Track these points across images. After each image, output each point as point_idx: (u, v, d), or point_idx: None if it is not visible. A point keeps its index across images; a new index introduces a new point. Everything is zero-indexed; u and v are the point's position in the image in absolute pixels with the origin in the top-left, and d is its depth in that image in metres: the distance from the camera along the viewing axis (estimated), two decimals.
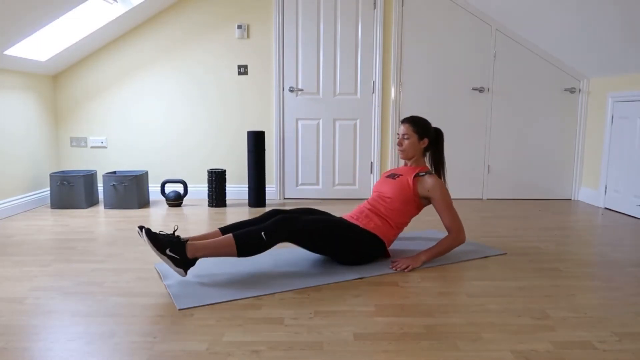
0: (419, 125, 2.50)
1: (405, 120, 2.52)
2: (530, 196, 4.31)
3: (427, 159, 2.60)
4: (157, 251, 2.01)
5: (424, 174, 2.45)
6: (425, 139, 2.51)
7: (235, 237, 2.09)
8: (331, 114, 4.21)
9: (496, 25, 4.11)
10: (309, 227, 2.20)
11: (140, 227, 2.04)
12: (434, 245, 2.39)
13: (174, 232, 2.11)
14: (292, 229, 2.16)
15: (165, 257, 2.02)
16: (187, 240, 2.10)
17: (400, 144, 2.53)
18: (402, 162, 4.18)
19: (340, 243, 2.27)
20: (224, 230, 2.32)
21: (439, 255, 2.39)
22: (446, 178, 2.61)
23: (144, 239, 2.01)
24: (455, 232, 2.39)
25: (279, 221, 2.15)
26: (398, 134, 2.55)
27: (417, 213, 2.48)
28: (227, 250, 2.08)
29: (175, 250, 2.03)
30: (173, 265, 2.04)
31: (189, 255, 2.05)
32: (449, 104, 4.20)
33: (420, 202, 2.45)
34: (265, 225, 2.14)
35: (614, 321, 1.75)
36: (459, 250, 2.61)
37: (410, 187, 2.41)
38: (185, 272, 2.07)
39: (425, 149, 2.55)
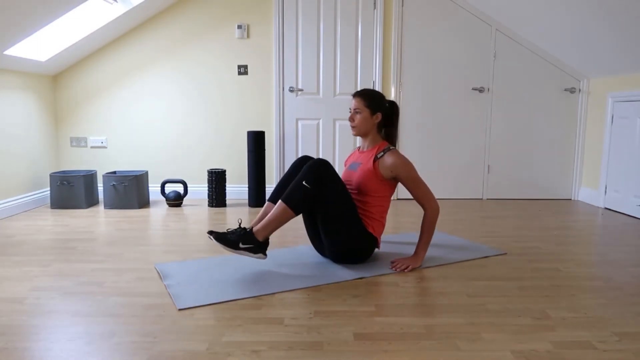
0: (370, 99, 2.36)
1: (357, 94, 2.38)
2: (530, 196, 4.31)
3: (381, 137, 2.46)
4: (233, 250, 2.13)
5: (382, 153, 2.33)
6: (379, 113, 2.37)
7: (284, 201, 2.16)
8: (331, 114, 4.21)
9: (496, 25, 4.11)
10: (338, 179, 2.20)
11: (210, 232, 2.15)
12: (420, 236, 2.35)
13: (239, 225, 2.21)
14: (326, 173, 2.15)
15: (242, 252, 2.14)
16: (252, 228, 2.19)
17: (352, 119, 2.38)
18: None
19: (345, 227, 2.23)
20: (273, 199, 2.39)
21: (429, 239, 2.34)
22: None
23: (214, 243, 2.10)
24: (428, 204, 2.31)
25: (313, 165, 2.17)
26: (350, 108, 2.41)
27: (393, 192, 2.39)
28: (286, 215, 2.17)
29: (247, 241, 2.14)
30: (252, 255, 2.16)
31: (260, 239, 2.17)
32: (449, 104, 4.20)
33: (389, 182, 2.35)
34: (302, 175, 2.16)
35: (614, 321, 1.75)
36: (459, 250, 2.60)
37: (373, 173, 2.32)
38: (265, 255, 2.20)
39: (380, 125, 2.42)
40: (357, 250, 2.33)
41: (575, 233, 3.07)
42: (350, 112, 2.41)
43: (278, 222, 2.17)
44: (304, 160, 2.41)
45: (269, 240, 2.24)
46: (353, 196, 2.38)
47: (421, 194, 2.32)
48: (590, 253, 2.63)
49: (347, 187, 2.39)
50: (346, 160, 2.62)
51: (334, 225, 2.24)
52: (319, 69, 4.16)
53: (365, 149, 2.45)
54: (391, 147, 2.38)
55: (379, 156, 2.34)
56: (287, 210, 2.16)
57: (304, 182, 2.14)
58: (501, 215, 3.60)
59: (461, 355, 1.50)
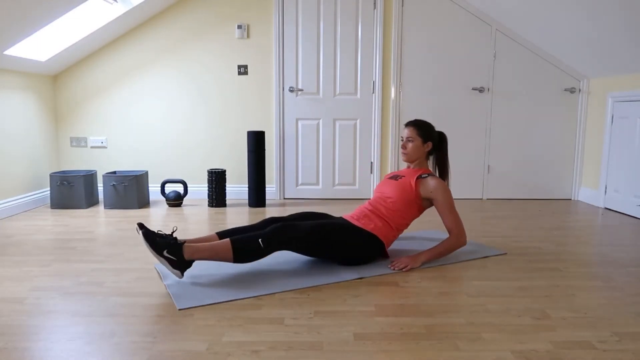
0: (423, 129, 2.51)
1: (410, 124, 2.53)
2: (530, 196, 4.31)
3: (430, 163, 2.61)
4: (154, 252, 2.02)
5: (426, 175, 2.46)
6: (429, 142, 2.52)
7: (232, 242, 2.10)
8: (331, 114, 4.21)
9: (496, 25, 4.11)
10: (308, 233, 2.20)
11: (140, 225, 2.04)
12: (434, 246, 2.39)
13: (172, 233, 2.11)
14: (291, 236, 2.16)
15: (162, 258, 2.03)
16: (184, 242, 2.10)
17: (404, 147, 2.53)
18: (403, 165, 4.18)
19: (339, 247, 2.28)
20: (222, 234, 2.33)
21: (439, 256, 2.39)
22: (450, 182, 2.61)
23: (141, 239, 2.01)
24: (456, 234, 2.39)
25: (278, 229, 2.16)
26: (402, 137, 2.55)
27: (418, 215, 2.48)
28: (223, 254, 2.09)
29: (172, 251, 2.04)
30: (170, 267, 2.04)
31: (186, 256, 2.05)
32: (449, 104, 4.20)
33: (422, 203, 2.45)
34: (263, 232, 2.15)
35: (614, 321, 1.75)
36: (459, 251, 2.61)
37: (413, 188, 2.41)
38: (182, 274, 2.07)
39: (429, 153, 2.56)
40: (362, 257, 2.36)
41: (575, 233, 3.07)
42: (402, 140, 2.54)
43: (212, 255, 2.08)
44: (271, 222, 2.40)
45: (193, 264, 2.15)
46: (385, 200, 2.44)
47: (452, 220, 2.41)
48: (590, 253, 2.63)
49: (380, 194, 2.48)
50: (390, 172, 2.69)
51: (331, 253, 2.29)
52: (319, 69, 4.16)
53: (412, 168, 2.57)
54: (435, 175, 2.52)
55: (423, 176, 2.45)
56: (229, 252, 2.09)
57: (260, 240, 2.12)
58: (501, 215, 3.60)
59: (461, 355, 1.50)
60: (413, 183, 2.42)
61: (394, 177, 2.54)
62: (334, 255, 2.30)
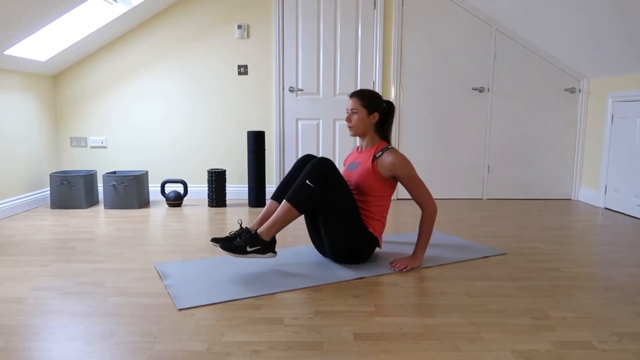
0: (367, 99, 2.36)
1: (353, 94, 2.38)
2: (530, 196, 4.31)
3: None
4: (241, 256, 2.12)
5: (380, 153, 2.33)
6: (375, 113, 2.37)
7: (289, 200, 2.16)
8: (331, 114, 4.21)
9: (496, 25, 4.11)
10: (341, 178, 2.20)
11: (214, 240, 2.15)
12: (419, 237, 2.34)
13: (240, 226, 2.21)
14: (329, 172, 2.16)
15: (250, 255, 2.13)
16: (256, 231, 2.17)
17: (349, 119, 2.39)
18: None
19: (349, 223, 2.23)
20: (275, 196, 2.38)
21: (428, 239, 2.34)
22: None
23: (223, 253, 2.12)
24: (427, 205, 2.31)
25: (316, 164, 2.16)
26: (347, 109, 2.41)
27: (393, 191, 2.39)
28: (290, 215, 2.16)
29: (253, 244, 2.13)
30: (262, 256, 2.16)
31: (266, 239, 2.16)
32: (449, 104, 4.20)
33: (389, 182, 2.35)
34: (305, 174, 2.16)
35: (614, 321, 1.75)
36: (459, 251, 2.60)
37: (372, 172, 2.31)
38: (274, 252, 2.19)
39: (378, 125, 2.41)
40: (358, 250, 2.33)
41: (575, 233, 3.07)
42: (347, 112, 2.41)
43: (283, 221, 2.17)
44: (306, 159, 2.41)
45: (275, 238, 2.23)
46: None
47: (419, 193, 2.32)
48: (590, 253, 2.63)
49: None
50: (345, 160, 2.62)
51: (336, 225, 2.24)
52: (319, 69, 4.17)
53: (364, 149, 2.45)
54: (390, 147, 2.38)
55: (377, 155, 2.34)
56: (292, 210, 2.16)
57: (307, 182, 2.14)
58: (501, 215, 3.60)
59: (461, 355, 1.50)
60: (371, 167, 2.32)
61: (352, 166, 2.44)
62: (337, 229, 2.24)
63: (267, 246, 2.17)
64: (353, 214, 2.25)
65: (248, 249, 2.12)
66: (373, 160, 2.33)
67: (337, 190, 2.19)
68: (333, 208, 2.21)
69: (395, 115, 4.15)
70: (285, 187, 2.38)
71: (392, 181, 2.36)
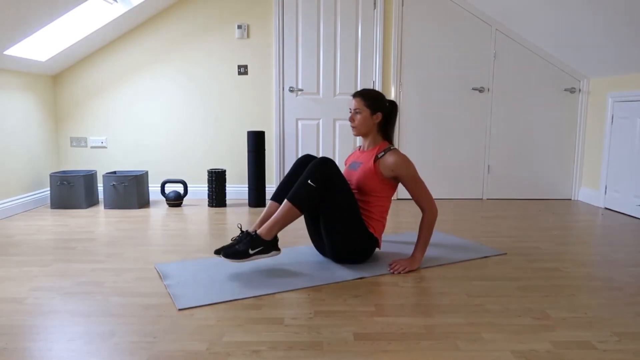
0: (370, 99, 2.35)
1: (356, 94, 2.38)
2: (530, 196, 4.31)
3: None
4: (245, 260, 2.13)
5: (382, 153, 2.33)
6: (379, 113, 2.37)
7: (290, 200, 2.16)
8: (331, 114, 4.21)
9: (496, 25, 4.11)
10: (342, 178, 2.20)
11: (217, 252, 2.15)
12: (418, 238, 2.33)
13: (241, 231, 2.22)
14: (330, 171, 2.16)
15: (254, 257, 2.14)
16: (256, 232, 2.17)
17: (352, 119, 2.38)
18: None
19: (348, 222, 2.23)
20: (275, 197, 2.38)
21: (427, 241, 2.33)
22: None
23: (227, 261, 2.15)
24: (428, 208, 2.31)
25: (317, 163, 2.16)
26: (350, 108, 2.41)
27: (393, 192, 2.39)
28: (292, 214, 2.16)
29: (254, 246, 2.14)
30: (265, 256, 2.17)
31: (268, 239, 2.16)
32: (449, 104, 4.20)
33: (390, 182, 2.35)
34: (307, 173, 2.16)
35: (614, 321, 1.75)
36: (459, 251, 2.60)
37: (374, 172, 2.31)
38: (278, 249, 2.21)
39: (380, 124, 2.41)
40: (359, 250, 2.33)
41: (575, 233, 3.07)
42: (350, 112, 2.41)
43: (284, 221, 2.17)
44: (307, 159, 2.40)
45: (278, 237, 2.23)
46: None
47: (420, 194, 2.32)
48: (590, 253, 2.63)
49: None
50: (346, 160, 2.62)
51: (337, 225, 2.24)
52: (319, 69, 4.16)
53: (365, 149, 2.45)
54: (392, 147, 2.37)
55: (379, 156, 2.34)
56: (293, 209, 2.16)
57: (309, 181, 2.14)
58: (501, 215, 3.60)
59: (461, 355, 1.50)
60: (372, 167, 2.31)
61: (353, 165, 2.44)
62: (337, 228, 2.24)
63: (269, 245, 2.18)
64: (354, 214, 2.25)
65: (250, 251, 2.13)
66: (375, 161, 2.33)
67: (338, 191, 2.19)
68: (334, 208, 2.21)
69: (398, 117, 4.16)
70: (285, 188, 2.38)
71: (393, 182, 2.36)
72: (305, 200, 2.15)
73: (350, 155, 2.60)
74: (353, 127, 2.41)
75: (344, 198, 2.21)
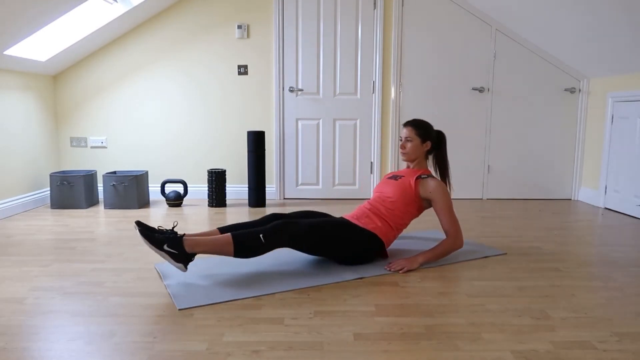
0: (421, 128, 2.52)
1: (408, 123, 2.54)
2: (530, 196, 4.31)
3: (429, 162, 2.61)
4: (154, 248, 2.02)
5: (426, 176, 2.47)
6: (428, 141, 2.54)
7: (233, 236, 2.10)
8: (331, 114, 4.21)
9: (496, 25, 4.11)
10: (308, 230, 2.20)
11: (137, 223, 2.04)
12: (431, 248, 2.39)
13: (173, 227, 2.12)
14: (292, 234, 2.16)
15: (163, 253, 2.03)
16: (184, 236, 2.09)
17: (403, 147, 2.54)
18: (403, 165, 4.18)
19: (339, 245, 2.28)
20: (223, 230, 2.33)
21: (435, 258, 2.38)
22: (450, 181, 2.62)
23: (139, 237, 2.00)
24: (453, 236, 2.39)
25: (279, 225, 2.15)
26: (401, 137, 2.57)
27: (417, 215, 2.49)
28: (224, 248, 2.08)
29: (172, 245, 2.03)
30: (172, 261, 2.04)
31: (187, 249, 2.05)
32: (449, 104, 4.20)
33: (421, 203, 2.46)
34: (265, 229, 2.14)
35: (614, 321, 1.75)
36: (459, 251, 2.60)
37: (412, 188, 2.42)
38: (186, 267, 2.07)
39: (428, 152, 2.58)
40: (363, 252, 2.36)
41: (575, 233, 3.07)
42: (401, 140, 2.55)
43: (213, 248, 2.07)
44: (273, 217, 2.40)
45: (194, 259, 2.15)
46: (384, 200, 2.44)
47: (450, 222, 2.40)
48: (590, 253, 2.63)
49: (380, 194, 2.49)
50: (390, 172, 2.69)
51: (334, 248, 2.29)
52: (319, 69, 4.16)
53: (412, 168, 2.58)
54: (434, 176, 2.52)
55: (422, 177, 2.46)
56: (229, 246, 2.08)
57: (261, 235, 2.11)
58: (501, 215, 3.60)
59: (461, 355, 1.50)
60: (413, 183, 2.43)
61: (394, 177, 2.55)
62: (334, 253, 2.31)
63: (184, 256, 2.05)
64: (343, 231, 2.28)
65: (165, 247, 2.01)
66: (417, 178, 2.44)
67: (310, 237, 2.21)
68: (318, 248, 2.25)
69: (398, 117, 4.16)
70: (237, 227, 2.35)
71: (424, 203, 2.47)
72: (245, 248, 2.09)
73: (396, 170, 2.69)
74: (404, 153, 2.55)
75: (324, 238, 2.24)
